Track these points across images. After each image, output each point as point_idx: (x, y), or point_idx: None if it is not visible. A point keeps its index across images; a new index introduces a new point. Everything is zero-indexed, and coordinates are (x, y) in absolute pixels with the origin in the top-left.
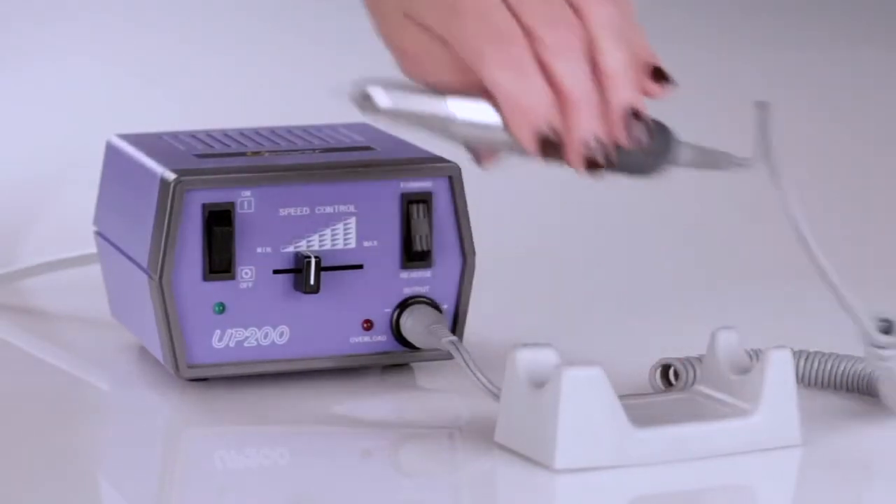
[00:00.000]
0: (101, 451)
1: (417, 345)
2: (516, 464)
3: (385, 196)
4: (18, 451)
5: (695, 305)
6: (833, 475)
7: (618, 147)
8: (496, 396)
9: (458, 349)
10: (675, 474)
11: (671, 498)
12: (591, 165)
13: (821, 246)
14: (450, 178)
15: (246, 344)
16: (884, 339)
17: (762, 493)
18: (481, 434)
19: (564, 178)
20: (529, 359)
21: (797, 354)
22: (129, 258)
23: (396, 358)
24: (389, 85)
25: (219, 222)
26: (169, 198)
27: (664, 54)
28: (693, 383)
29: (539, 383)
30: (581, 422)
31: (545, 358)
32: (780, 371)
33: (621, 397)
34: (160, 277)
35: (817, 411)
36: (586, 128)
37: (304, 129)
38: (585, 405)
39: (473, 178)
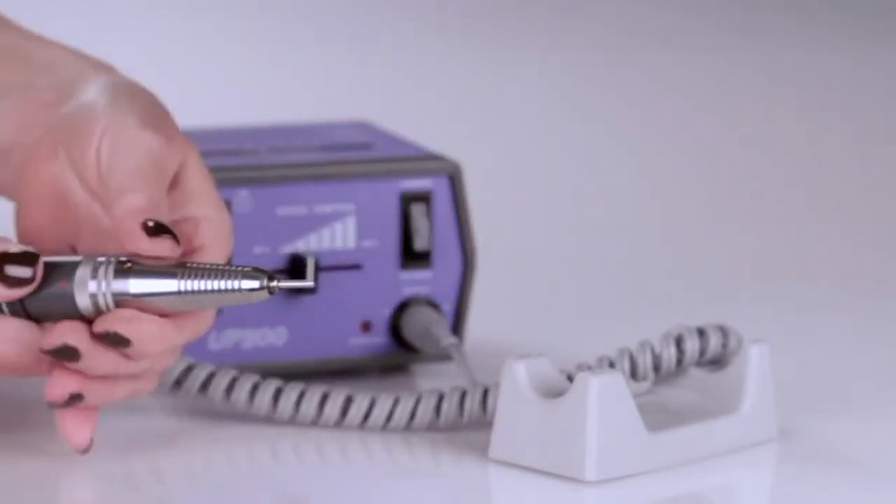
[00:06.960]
0: (92, 452)
1: (417, 347)
2: (515, 469)
3: (384, 195)
4: (10, 453)
5: (695, 306)
6: (813, 466)
7: None
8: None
9: (458, 351)
10: (684, 476)
11: (691, 500)
12: None
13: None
14: (450, 176)
15: (243, 346)
16: None
17: (781, 485)
18: (481, 439)
19: (565, 178)
20: (530, 369)
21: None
22: None
23: (395, 360)
24: None
25: None
26: None
27: (663, 55)
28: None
29: (547, 393)
30: (606, 429)
31: (544, 367)
32: (761, 364)
33: None
34: None
35: None
36: None
37: (302, 126)
38: (611, 411)
39: (474, 177)
